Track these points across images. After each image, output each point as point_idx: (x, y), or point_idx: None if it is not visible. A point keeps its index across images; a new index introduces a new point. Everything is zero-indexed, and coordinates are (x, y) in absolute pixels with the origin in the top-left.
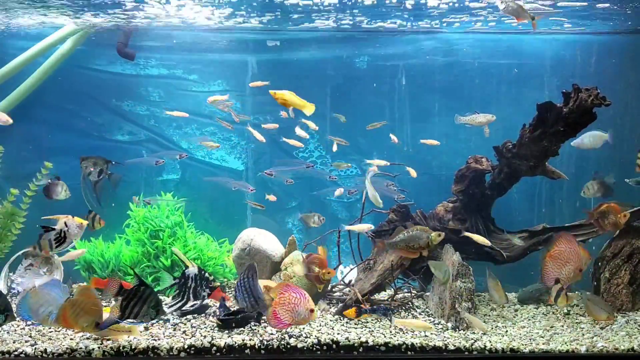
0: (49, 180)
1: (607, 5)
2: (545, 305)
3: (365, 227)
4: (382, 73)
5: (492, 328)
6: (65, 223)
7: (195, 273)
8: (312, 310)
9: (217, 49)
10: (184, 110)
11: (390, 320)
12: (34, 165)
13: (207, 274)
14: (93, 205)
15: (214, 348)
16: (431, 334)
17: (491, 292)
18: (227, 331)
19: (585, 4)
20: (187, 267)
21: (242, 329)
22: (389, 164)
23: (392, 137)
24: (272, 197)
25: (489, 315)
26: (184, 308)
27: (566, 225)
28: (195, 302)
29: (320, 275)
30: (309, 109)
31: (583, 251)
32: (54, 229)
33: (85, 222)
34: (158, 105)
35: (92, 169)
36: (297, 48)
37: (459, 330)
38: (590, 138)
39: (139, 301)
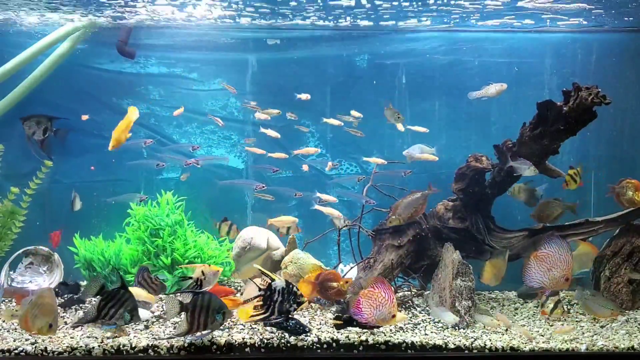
0: (74, 194)
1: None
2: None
3: (331, 198)
4: (383, 71)
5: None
6: (202, 272)
7: (283, 287)
8: (393, 316)
9: (217, 47)
10: (184, 109)
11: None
12: (34, 164)
13: (295, 289)
14: (42, 158)
15: (214, 346)
16: (432, 332)
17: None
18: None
19: (586, 6)
20: (272, 280)
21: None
22: (386, 162)
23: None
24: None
25: (489, 314)
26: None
27: (566, 224)
28: (278, 317)
29: (341, 288)
30: (132, 114)
31: (588, 246)
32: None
33: (220, 269)
34: (158, 103)
35: (35, 129)
36: (297, 46)
37: (459, 329)
38: (419, 149)
39: (116, 303)
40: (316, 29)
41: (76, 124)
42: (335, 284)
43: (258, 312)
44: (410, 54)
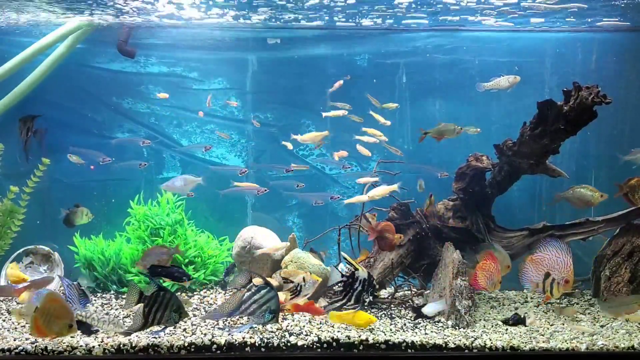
0: (67, 211)
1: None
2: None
3: (364, 197)
4: (383, 71)
5: (492, 326)
6: (303, 278)
7: (365, 278)
8: (500, 282)
9: (217, 47)
10: (184, 108)
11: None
12: (33, 163)
13: (374, 281)
14: (22, 159)
15: (214, 346)
16: (432, 332)
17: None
18: None
19: (584, 6)
20: (356, 269)
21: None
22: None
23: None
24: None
25: (489, 314)
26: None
27: (566, 223)
28: (356, 305)
29: (395, 241)
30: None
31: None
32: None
33: (319, 280)
34: (158, 103)
35: (23, 129)
36: (297, 45)
37: (459, 328)
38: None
39: (160, 307)
40: (316, 29)
41: (76, 123)
42: (390, 236)
43: (336, 299)
44: (410, 53)
